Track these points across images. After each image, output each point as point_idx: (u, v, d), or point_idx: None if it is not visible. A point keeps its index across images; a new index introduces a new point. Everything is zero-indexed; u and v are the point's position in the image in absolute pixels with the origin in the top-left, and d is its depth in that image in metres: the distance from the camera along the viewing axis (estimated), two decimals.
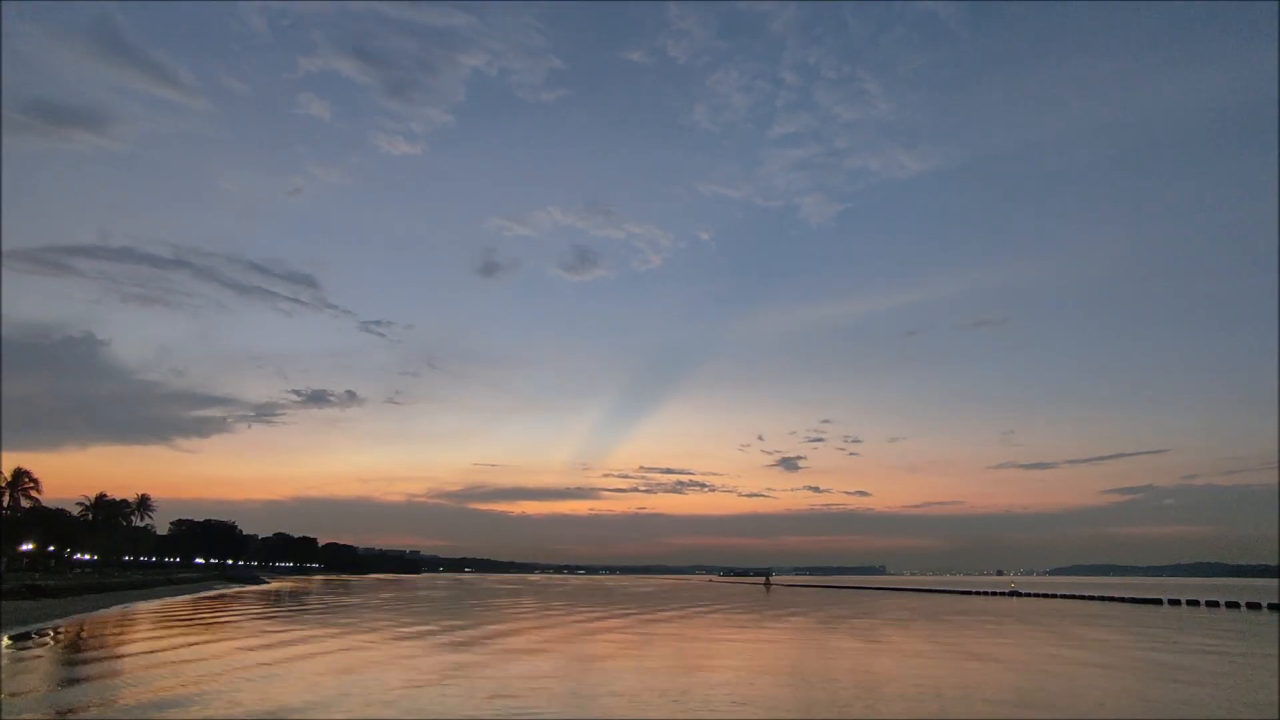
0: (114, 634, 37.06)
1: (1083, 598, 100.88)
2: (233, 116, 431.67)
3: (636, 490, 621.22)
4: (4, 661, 25.88)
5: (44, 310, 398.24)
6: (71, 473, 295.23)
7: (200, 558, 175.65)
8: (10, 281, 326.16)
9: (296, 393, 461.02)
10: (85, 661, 26.15)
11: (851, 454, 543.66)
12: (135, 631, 38.60)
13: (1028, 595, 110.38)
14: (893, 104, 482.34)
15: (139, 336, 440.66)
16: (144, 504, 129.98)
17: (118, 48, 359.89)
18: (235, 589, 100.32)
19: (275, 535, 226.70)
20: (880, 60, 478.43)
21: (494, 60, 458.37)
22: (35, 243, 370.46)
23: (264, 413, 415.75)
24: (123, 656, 27.45)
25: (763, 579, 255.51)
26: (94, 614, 47.76)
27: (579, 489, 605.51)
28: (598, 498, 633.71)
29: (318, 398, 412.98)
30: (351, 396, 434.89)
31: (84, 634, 36.35)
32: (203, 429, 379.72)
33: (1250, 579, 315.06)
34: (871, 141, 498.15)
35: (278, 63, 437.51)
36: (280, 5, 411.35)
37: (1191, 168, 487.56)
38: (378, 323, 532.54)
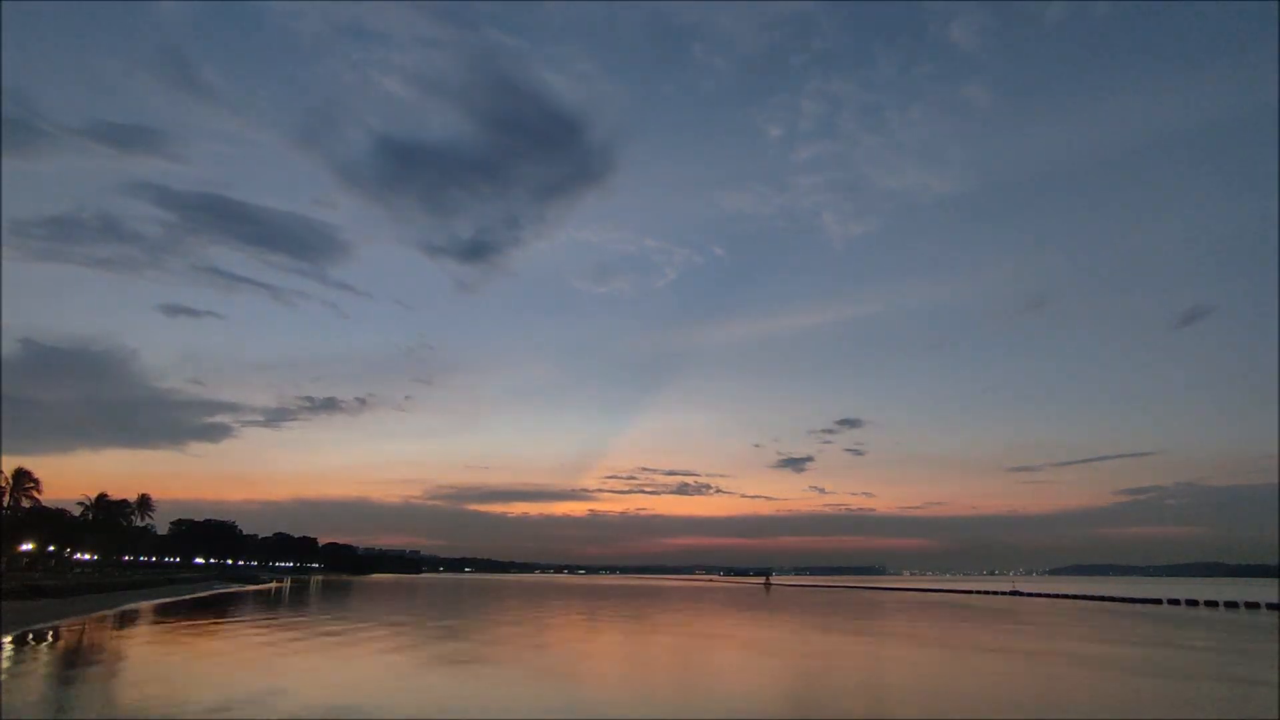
0: (114, 634, 37.09)
1: (1083, 597, 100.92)
2: (278, 135, 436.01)
3: (642, 491, 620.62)
4: (4, 662, 25.90)
5: (79, 320, 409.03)
6: (81, 476, 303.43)
7: (200, 558, 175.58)
8: (48, 290, 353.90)
9: (309, 399, 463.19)
10: (86, 662, 26.17)
11: (856, 455, 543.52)
12: (136, 632, 38.63)
13: (1028, 595, 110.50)
14: (915, 131, 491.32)
15: (163, 345, 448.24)
16: (144, 504, 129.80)
17: (180, 71, 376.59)
18: (235, 588, 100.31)
19: (275, 535, 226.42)
20: (906, 91, 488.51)
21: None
22: (74, 253, 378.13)
23: (273, 418, 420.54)
24: (123, 657, 27.49)
25: (763, 579, 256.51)
26: (94, 614, 47.73)
27: (582, 490, 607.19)
28: (600, 498, 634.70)
29: (329, 404, 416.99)
30: (361, 404, 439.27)
31: (85, 634, 36.36)
32: (213, 434, 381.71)
33: (1251, 579, 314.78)
34: (894, 165, 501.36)
35: (329, 82, 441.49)
36: (332, 23, 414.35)
37: (1192, 172, 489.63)
38: (386, 329, 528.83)
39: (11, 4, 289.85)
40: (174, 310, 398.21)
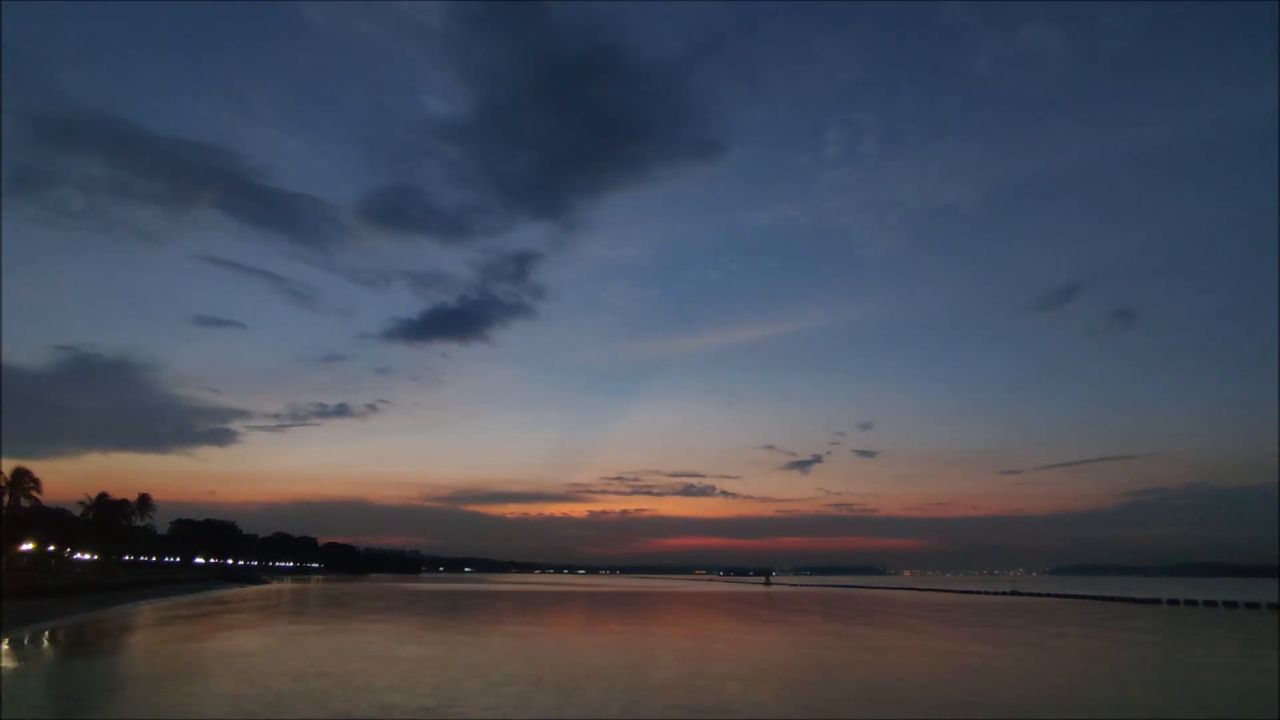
0: (113, 635, 37.16)
1: (1082, 597, 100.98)
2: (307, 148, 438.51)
3: (649, 492, 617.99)
4: (4, 662, 25.96)
5: (113, 330, 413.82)
6: (87, 478, 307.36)
7: (200, 557, 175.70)
8: (86, 297, 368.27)
9: (321, 405, 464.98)
10: (84, 663, 26.23)
11: (863, 457, 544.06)
12: (135, 632, 38.69)
13: (1027, 595, 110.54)
14: (933, 148, 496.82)
15: (190, 354, 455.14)
16: (144, 504, 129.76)
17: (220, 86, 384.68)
18: (235, 590, 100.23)
19: (275, 535, 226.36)
20: (927, 119, 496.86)
21: None
22: (105, 262, 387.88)
23: (282, 422, 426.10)
24: (121, 658, 27.54)
25: (763, 579, 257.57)
26: (93, 614, 47.78)
27: (584, 491, 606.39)
28: (601, 499, 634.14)
29: (340, 410, 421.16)
30: (372, 409, 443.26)
31: (84, 635, 36.43)
32: (220, 438, 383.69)
33: (1251, 579, 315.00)
34: (912, 184, 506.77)
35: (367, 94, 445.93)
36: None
37: (1194, 176, 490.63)
38: (392, 329, 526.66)
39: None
40: (203, 320, 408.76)
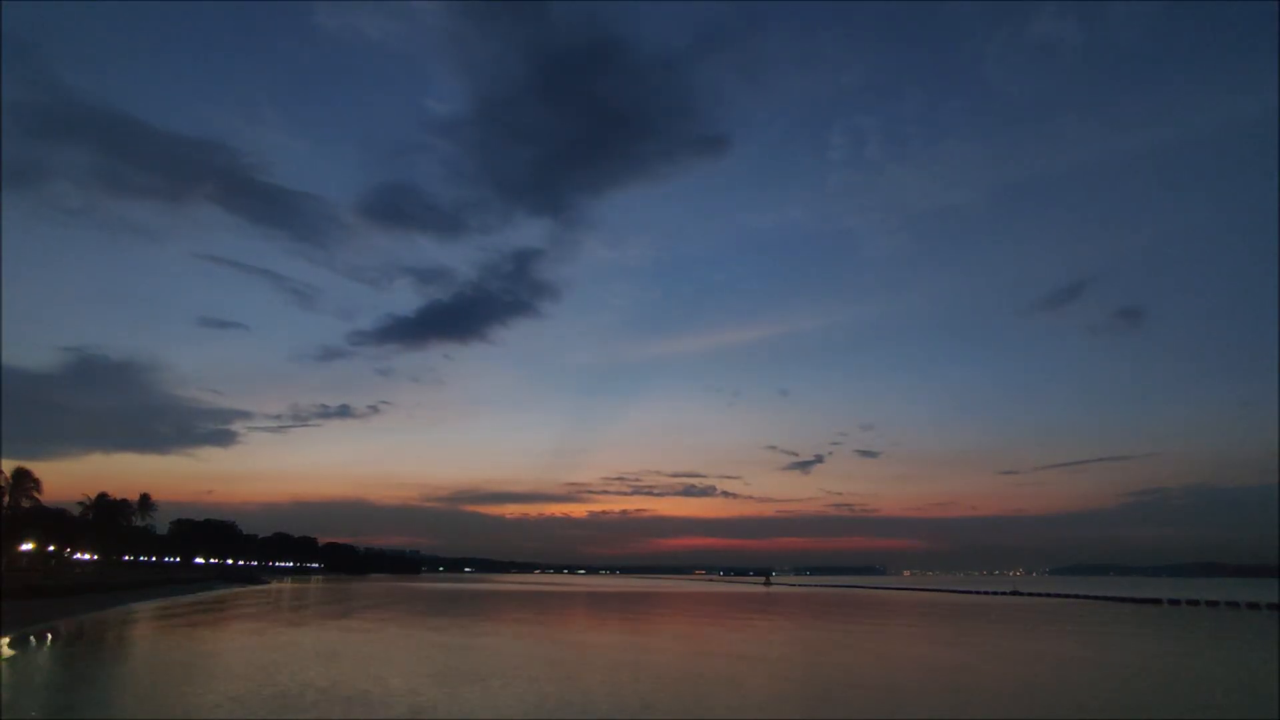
0: (113, 635, 37.05)
1: (1083, 597, 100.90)
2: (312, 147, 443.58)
3: (650, 493, 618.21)
4: (4, 662, 25.87)
5: (121, 332, 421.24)
6: (90, 479, 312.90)
7: (200, 558, 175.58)
8: (94, 299, 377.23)
9: (323, 406, 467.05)
10: (84, 663, 26.13)
11: (864, 457, 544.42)
12: (135, 632, 38.59)
13: (1029, 595, 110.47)
14: (936, 150, 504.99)
15: (194, 356, 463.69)
16: (145, 504, 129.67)
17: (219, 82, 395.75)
18: (236, 590, 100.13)
19: (275, 535, 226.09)
20: (930, 121, 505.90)
21: None
22: (106, 262, 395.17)
23: (284, 423, 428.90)
24: (121, 658, 27.43)
25: (763, 579, 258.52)
26: (93, 614, 47.65)
27: (585, 491, 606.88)
28: (601, 500, 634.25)
29: (342, 410, 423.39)
30: (373, 410, 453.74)
31: (83, 635, 36.32)
32: (222, 439, 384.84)
33: (1250, 579, 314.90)
34: (916, 186, 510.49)
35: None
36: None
37: (1196, 177, 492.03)
38: (393, 329, 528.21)
39: None
40: (206, 322, 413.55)
